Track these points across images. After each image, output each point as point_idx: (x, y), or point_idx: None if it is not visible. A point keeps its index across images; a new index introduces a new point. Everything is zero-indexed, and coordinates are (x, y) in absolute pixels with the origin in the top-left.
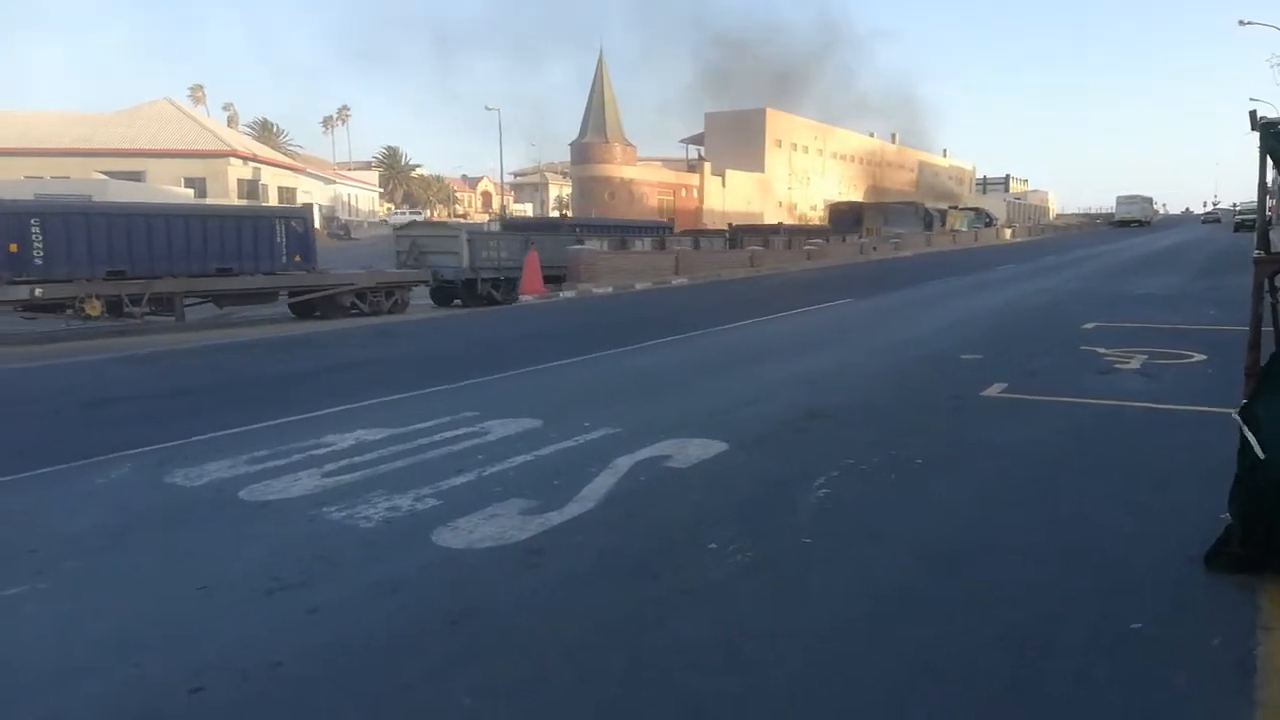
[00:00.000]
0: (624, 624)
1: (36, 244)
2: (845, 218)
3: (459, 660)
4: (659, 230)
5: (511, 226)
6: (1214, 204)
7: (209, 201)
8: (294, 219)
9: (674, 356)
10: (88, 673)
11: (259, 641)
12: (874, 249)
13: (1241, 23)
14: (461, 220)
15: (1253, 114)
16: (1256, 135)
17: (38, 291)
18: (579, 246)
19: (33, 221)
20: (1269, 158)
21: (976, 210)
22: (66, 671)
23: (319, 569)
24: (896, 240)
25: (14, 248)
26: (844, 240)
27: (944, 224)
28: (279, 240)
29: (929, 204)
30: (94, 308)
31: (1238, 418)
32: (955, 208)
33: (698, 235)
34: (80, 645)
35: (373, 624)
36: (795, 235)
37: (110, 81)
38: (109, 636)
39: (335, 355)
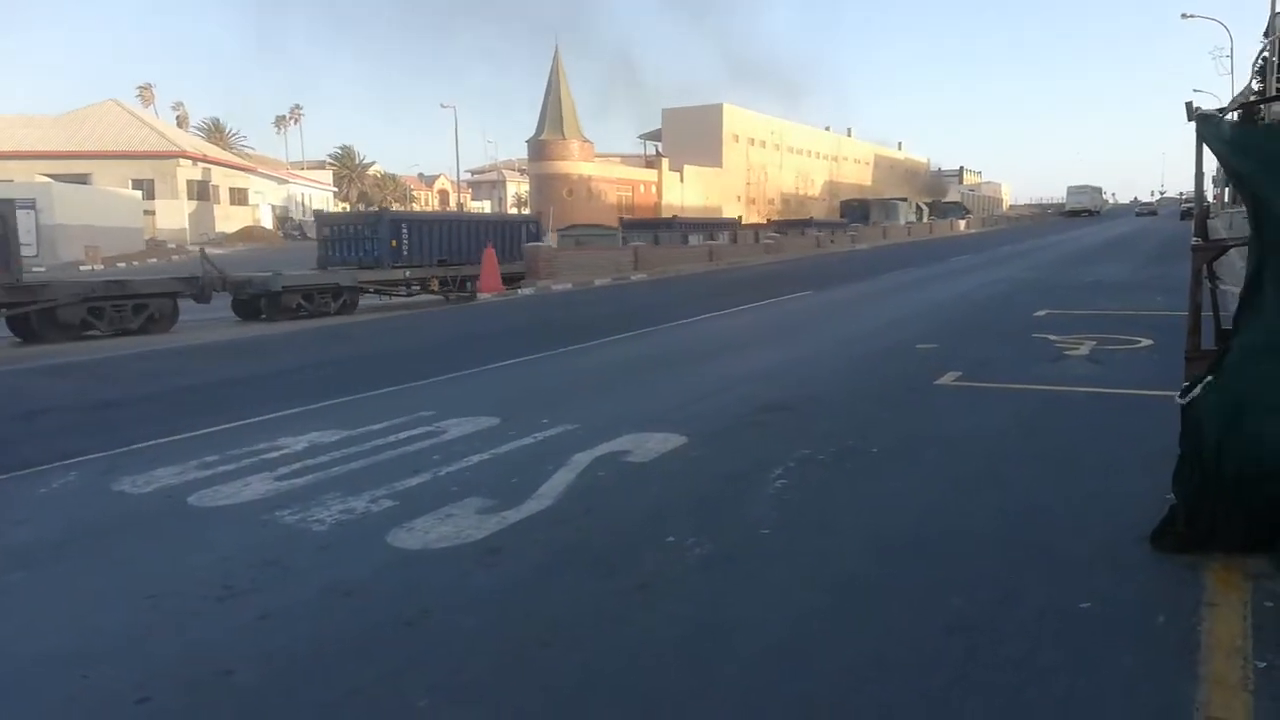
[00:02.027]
0: (580, 621)
1: (406, 241)
2: (855, 211)
3: (414, 663)
4: (732, 225)
5: (633, 225)
6: (1160, 193)
7: (157, 202)
8: (530, 223)
9: (634, 352)
10: (32, 685)
11: (209, 649)
12: (830, 241)
13: (1184, 16)
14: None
15: (1189, 105)
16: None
17: (408, 273)
18: (536, 243)
19: (404, 225)
20: (1205, 147)
21: (955, 204)
22: (9, 685)
23: (271, 574)
24: (853, 234)
25: (394, 243)
26: (802, 234)
27: (931, 215)
28: (522, 238)
29: (917, 199)
30: (435, 285)
31: (1181, 401)
32: (939, 201)
33: (754, 229)
34: (24, 658)
35: (326, 628)
36: (823, 228)
37: (57, 84)
38: (54, 648)
39: (309, 354)
